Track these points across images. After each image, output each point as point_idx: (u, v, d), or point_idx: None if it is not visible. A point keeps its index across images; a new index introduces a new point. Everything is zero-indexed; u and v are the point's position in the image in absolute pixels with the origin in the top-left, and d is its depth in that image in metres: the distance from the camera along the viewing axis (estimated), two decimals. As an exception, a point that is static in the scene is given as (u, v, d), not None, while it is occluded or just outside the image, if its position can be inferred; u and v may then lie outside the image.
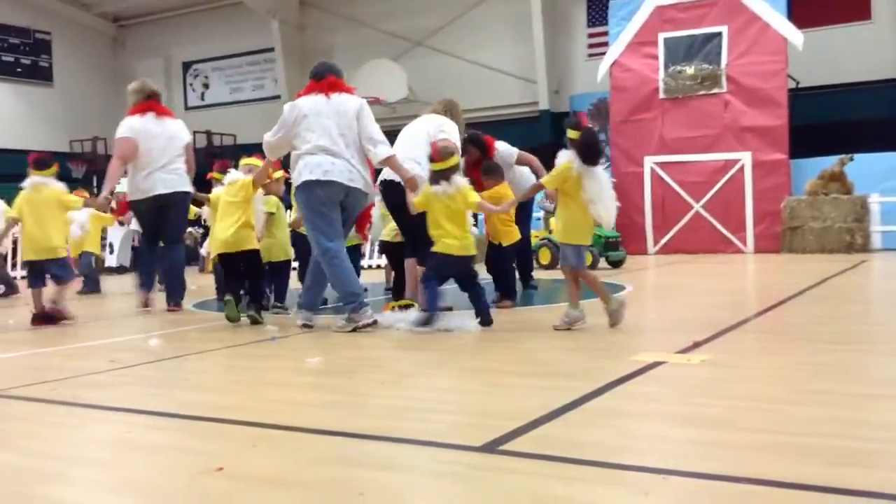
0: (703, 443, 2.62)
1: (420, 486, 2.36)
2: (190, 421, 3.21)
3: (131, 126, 7.39)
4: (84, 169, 22.59)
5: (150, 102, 7.62)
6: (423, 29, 20.24)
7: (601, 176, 5.25)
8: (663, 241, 14.66)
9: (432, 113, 6.69)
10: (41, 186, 7.00)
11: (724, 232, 14.15)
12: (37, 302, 6.95)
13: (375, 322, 5.60)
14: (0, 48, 22.22)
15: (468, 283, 5.72)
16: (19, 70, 22.64)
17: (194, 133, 21.13)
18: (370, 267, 13.38)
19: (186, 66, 24.23)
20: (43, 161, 7.14)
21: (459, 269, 5.68)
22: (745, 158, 13.98)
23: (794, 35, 13.74)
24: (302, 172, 5.69)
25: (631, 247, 13.64)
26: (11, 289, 10.89)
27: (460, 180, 5.60)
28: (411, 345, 5.04)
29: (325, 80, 5.95)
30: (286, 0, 21.62)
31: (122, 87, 26.75)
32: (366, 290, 7.65)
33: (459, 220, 5.60)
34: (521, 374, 4.06)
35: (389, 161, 5.81)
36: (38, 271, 7.03)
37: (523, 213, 7.74)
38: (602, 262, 11.42)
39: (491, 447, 2.61)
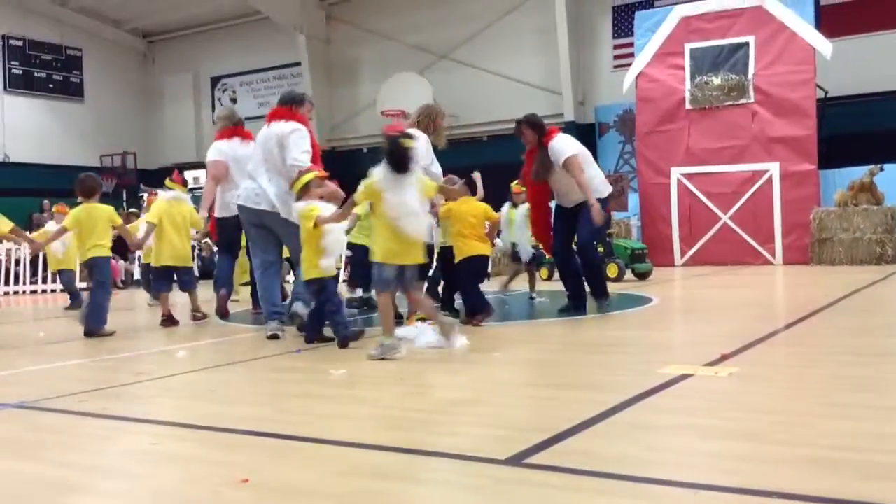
0: (732, 457, 2.59)
1: (445, 500, 2.35)
2: (216, 433, 3.23)
3: (220, 149, 7.88)
4: (114, 183, 22.87)
5: (236, 128, 8.11)
6: (448, 42, 20.31)
7: (407, 189, 5.01)
8: (690, 252, 14.55)
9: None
10: (181, 200, 7.81)
11: (753, 243, 14.02)
12: (164, 305, 7.70)
13: (276, 336, 6.09)
14: (32, 64, 22.58)
15: (319, 304, 5.71)
16: (51, 86, 22.98)
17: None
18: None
19: (215, 81, 24.48)
20: (184, 179, 8.07)
21: (311, 292, 5.78)
22: (774, 169, 13.86)
23: (822, 44, 13.62)
24: None
25: (658, 258, 13.55)
26: (77, 299, 10.73)
27: (300, 205, 5.59)
28: (435, 357, 5.03)
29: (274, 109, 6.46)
30: (312, 15, 21.80)
31: (151, 102, 27.20)
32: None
33: (309, 243, 5.56)
34: (547, 386, 4.05)
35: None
36: (168, 276, 7.85)
37: (594, 226, 6.97)
38: (628, 274, 11.35)
39: (517, 460, 2.60)
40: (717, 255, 14.18)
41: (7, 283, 14.97)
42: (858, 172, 13.66)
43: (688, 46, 14.72)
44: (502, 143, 17.09)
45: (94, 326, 6.85)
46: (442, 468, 2.62)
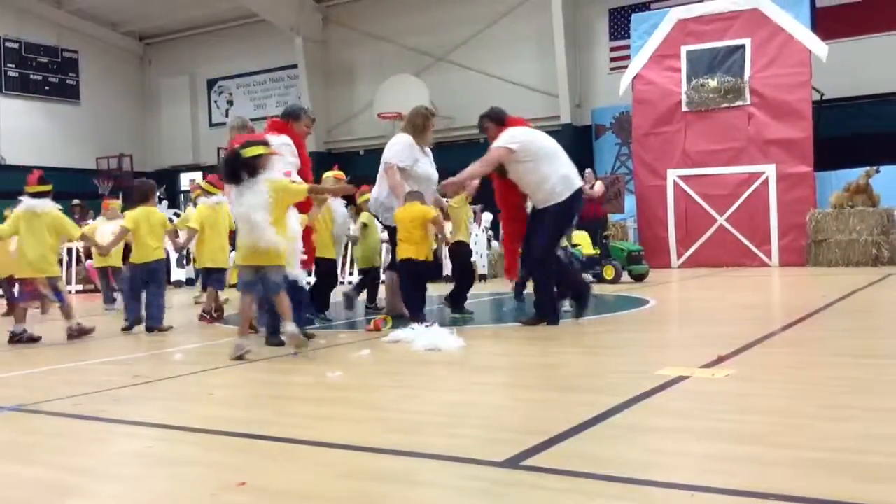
0: (729, 458, 2.59)
1: (443, 502, 2.35)
2: (213, 435, 3.22)
3: None
4: (110, 185, 22.84)
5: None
6: (445, 44, 20.31)
7: (245, 197, 5.27)
8: (687, 254, 14.57)
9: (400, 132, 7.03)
10: (222, 203, 7.97)
11: (749, 245, 14.03)
12: (210, 301, 8.13)
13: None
14: (28, 67, 22.54)
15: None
16: (47, 88, 22.93)
17: (218, 150, 21.25)
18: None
19: (211, 83, 24.46)
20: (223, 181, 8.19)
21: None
22: (770, 171, 13.88)
23: (818, 47, 13.65)
24: None
25: (654, 260, 13.55)
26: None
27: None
28: (431, 359, 5.03)
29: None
30: (309, 17, 21.79)
31: (148, 104, 27.09)
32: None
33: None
34: (544, 388, 4.04)
35: None
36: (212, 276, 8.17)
37: (547, 234, 6.46)
38: (625, 276, 11.36)
39: (514, 462, 2.60)
40: (714, 257, 14.19)
41: None
42: (854, 174, 13.69)
43: (684, 49, 14.73)
44: (499, 146, 17.10)
45: (156, 323, 7.24)
46: (439, 470, 2.61)
